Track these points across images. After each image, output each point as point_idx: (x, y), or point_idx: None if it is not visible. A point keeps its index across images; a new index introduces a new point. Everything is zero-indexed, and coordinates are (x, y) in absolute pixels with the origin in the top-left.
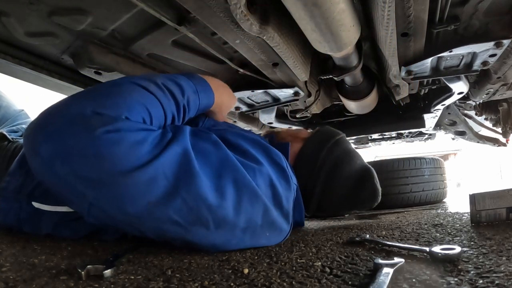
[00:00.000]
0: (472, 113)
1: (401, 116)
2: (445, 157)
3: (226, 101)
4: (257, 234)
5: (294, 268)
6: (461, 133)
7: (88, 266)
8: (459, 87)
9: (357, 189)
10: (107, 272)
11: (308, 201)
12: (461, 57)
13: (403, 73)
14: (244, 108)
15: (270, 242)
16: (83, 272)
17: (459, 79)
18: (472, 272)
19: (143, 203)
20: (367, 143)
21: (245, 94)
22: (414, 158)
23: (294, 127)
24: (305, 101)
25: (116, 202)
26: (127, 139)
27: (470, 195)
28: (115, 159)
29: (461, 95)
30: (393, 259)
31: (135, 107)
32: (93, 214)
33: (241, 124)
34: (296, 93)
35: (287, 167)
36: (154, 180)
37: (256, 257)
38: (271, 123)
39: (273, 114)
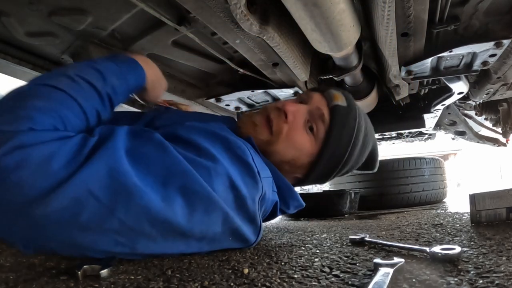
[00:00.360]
0: (472, 113)
1: (401, 116)
2: (445, 157)
3: (158, 77)
4: (217, 240)
5: (294, 268)
6: (461, 133)
7: (85, 266)
8: (459, 87)
9: (366, 166)
10: (104, 272)
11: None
12: (461, 57)
13: (403, 73)
14: (244, 108)
15: (236, 245)
16: (79, 272)
17: (459, 79)
18: (472, 272)
19: (72, 232)
20: None
21: (245, 94)
22: (414, 158)
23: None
24: None
25: (41, 237)
26: (32, 156)
27: (470, 195)
28: (22, 185)
29: (461, 95)
30: (393, 259)
31: (38, 114)
32: (29, 246)
33: None
34: (296, 93)
35: (253, 160)
36: (77, 203)
37: (256, 257)
38: None
39: None
